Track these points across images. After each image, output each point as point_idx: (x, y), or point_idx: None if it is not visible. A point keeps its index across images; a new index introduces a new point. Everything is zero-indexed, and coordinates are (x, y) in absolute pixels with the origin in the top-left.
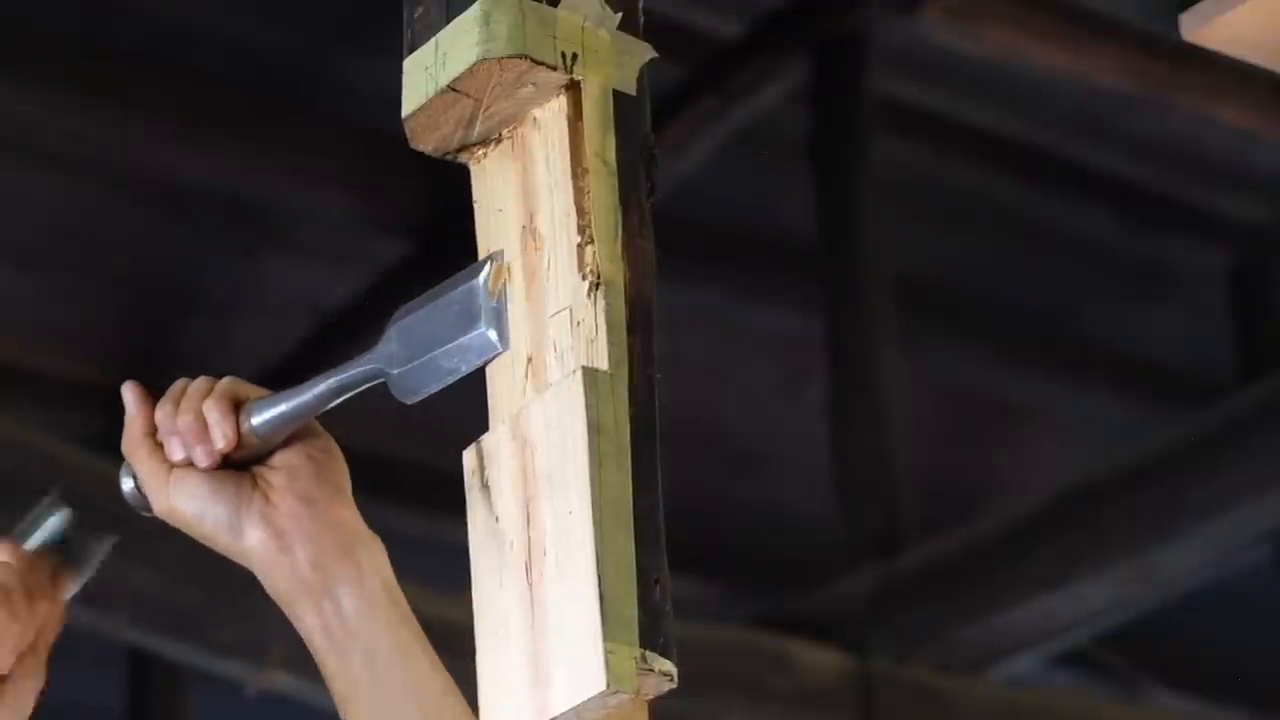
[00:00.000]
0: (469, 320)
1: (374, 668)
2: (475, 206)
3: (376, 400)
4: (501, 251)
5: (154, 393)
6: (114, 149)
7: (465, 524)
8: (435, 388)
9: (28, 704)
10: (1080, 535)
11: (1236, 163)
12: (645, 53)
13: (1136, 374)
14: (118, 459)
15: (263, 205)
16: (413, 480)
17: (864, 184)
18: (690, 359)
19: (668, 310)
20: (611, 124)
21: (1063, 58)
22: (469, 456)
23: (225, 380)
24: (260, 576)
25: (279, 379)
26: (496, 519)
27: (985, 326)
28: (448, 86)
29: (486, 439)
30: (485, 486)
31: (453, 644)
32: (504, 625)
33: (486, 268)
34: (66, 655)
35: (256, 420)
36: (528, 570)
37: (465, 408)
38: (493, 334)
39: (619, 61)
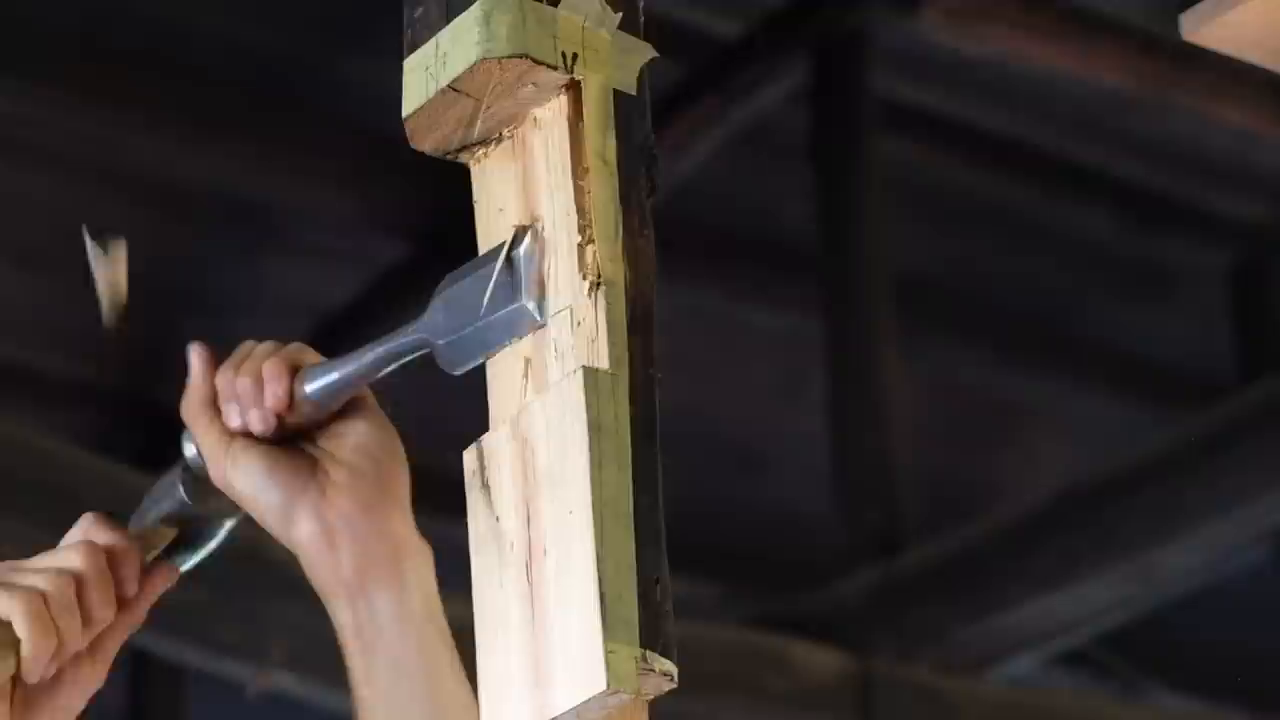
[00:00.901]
0: (509, 292)
1: (397, 677)
2: (475, 206)
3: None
4: (540, 221)
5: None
6: (114, 149)
7: (465, 524)
8: (479, 359)
9: (70, 713)
10: (1080, 535)
11: (1236, 163)
12: (645, 53)
13: (1136, 374)
14: (118, 459)
15: (263, 205)
16: (413, 481)
17: (864, 184)
18: (690, 359)
19: (668, 310)
20: (611, 124)
21: (1063, 58)
22: (469, 456)
23: (290, 346)
24: (304, 566)
25: None
26: (496, 519)
27: (985, 326)
28: (448, 86)
29: (486, 439)
30: (485, 486)
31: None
32: (504, 625)
33: (528, 239)
34: None
35: (310, 386)
36: (528, 570)
37: (465, 408)
38: (532, 306)
39: (619, 61)
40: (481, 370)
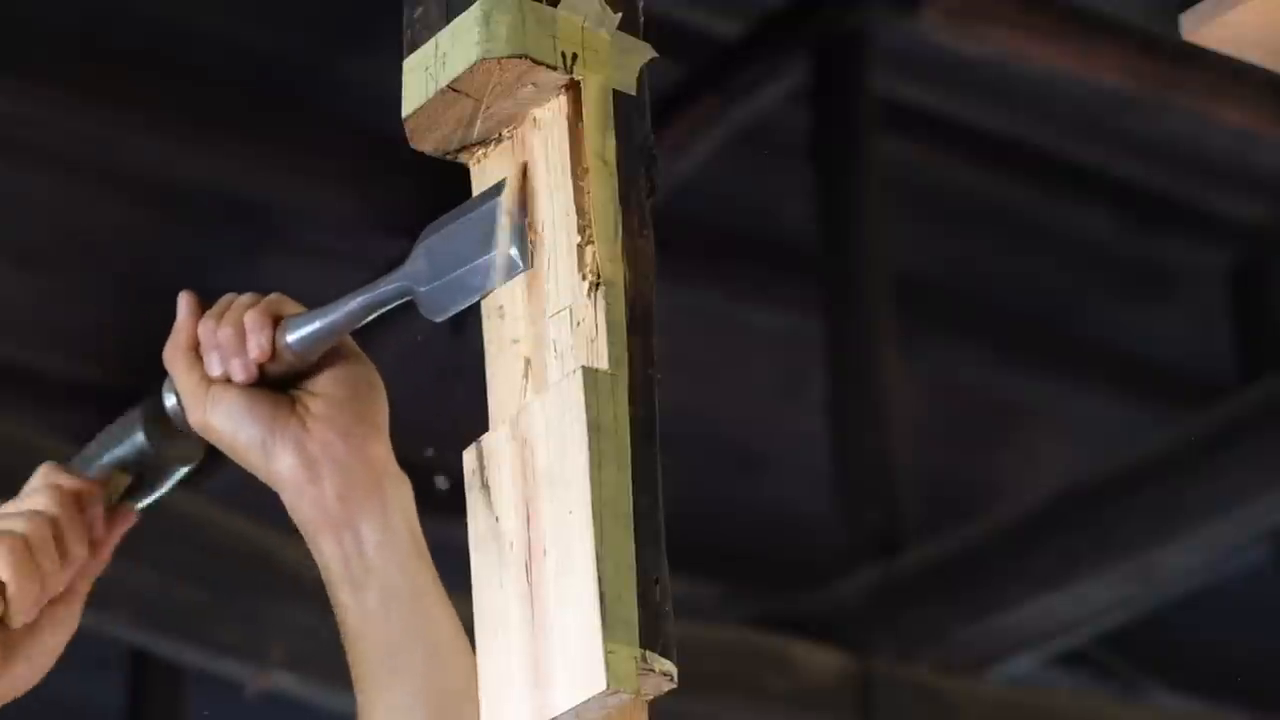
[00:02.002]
0: (493, 238)
1: (387, 604)
2: None
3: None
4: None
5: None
6: (114, 149)
7: (465, 524)
8: (461, 306)
9: (50, 656)
10: (1080, 535)
11: (1236, 163)
12: (645, 53)
13: (1136, 374)
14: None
15: (263, 205)
16: (413, 481)
17: (864, 184)
18: (690, 359)
19: (668, 310)
20: (611, 124)
21: (1063, 58)
22: (469, 456)
23: (270, 296)
24: (286, 501)
25: None
26: (496, 519)
27: (985, 326)
28: (448, 86)
29: (486, 439)
30: (485, 486)
31: None
32: (504, 625)
33: (511, 184)
34: (66, 655)
35: (292, 336)
36: (528, 570)
37: (465, 408)
38: (515, 251)
39: (619, 61)
40: (481, 370)
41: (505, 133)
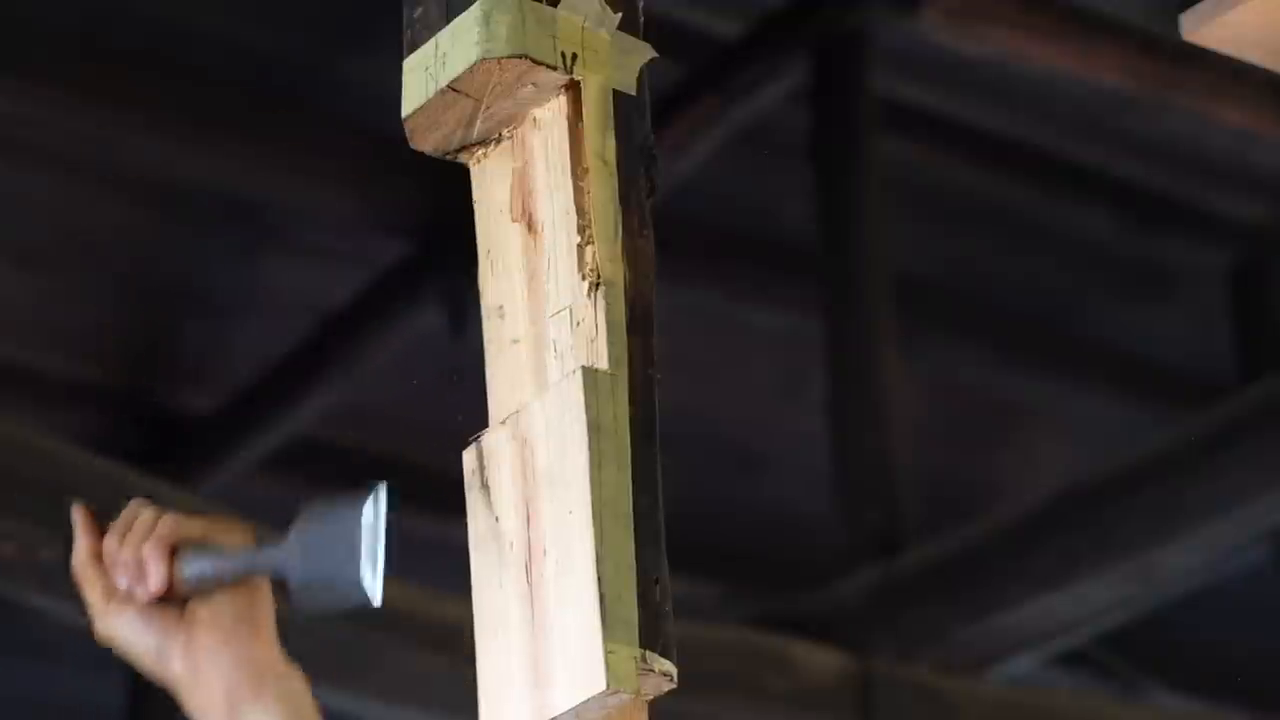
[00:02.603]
0: (351, 560)
1: None
2: (475, 206)
3: (377, 402)
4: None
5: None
6: (114, 149)
7: (465, 524)
8: (330, 611)
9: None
10: (1080, 535)
11: (1236, 163)
12: (645, 53)
13: (1136, 374)
14: (118, 459)
15: (263, 205)
16: (413, 481)
17: (864, 184)
18: (690, 359)
19: (668, 310)
20: (611, 124)
21: (1063, 58)
22: (469, 456)
23: (165, 520)
24: (179, 698)
25: (279, 379)
26: (496, 519)
27: (985, 326)
28: (448, 86)
29: (486, 439)
30: (485, 486)
31: (453, 644)
32: (504, 625)
33: (377, 493)
34: (66, 655)
35: (188, 573)
36: (528, 570)
37: (465, 408)
38: (368, 579)
39: (619, 61)
40: (481, 370)
41: (505, 133)
